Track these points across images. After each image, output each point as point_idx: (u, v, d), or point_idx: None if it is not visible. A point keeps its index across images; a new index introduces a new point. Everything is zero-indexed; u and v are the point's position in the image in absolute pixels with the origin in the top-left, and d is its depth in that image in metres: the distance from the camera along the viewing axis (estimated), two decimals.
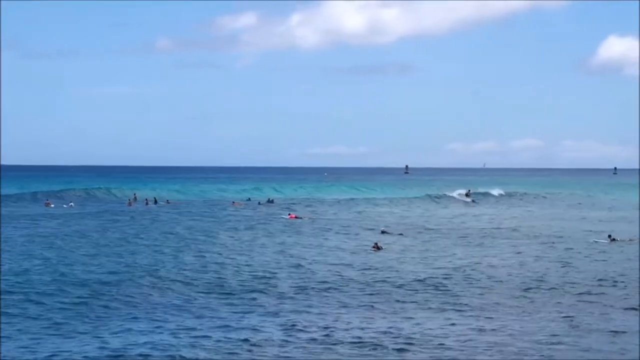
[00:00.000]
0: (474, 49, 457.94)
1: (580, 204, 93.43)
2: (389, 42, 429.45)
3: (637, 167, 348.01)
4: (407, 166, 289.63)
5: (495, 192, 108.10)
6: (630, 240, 47.68)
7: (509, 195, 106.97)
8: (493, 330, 23.72)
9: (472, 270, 36.04)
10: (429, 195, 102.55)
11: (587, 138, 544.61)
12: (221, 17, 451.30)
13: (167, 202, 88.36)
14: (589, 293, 29.93)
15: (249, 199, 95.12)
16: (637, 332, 23.28)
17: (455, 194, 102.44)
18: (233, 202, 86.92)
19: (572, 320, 24.86)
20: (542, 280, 32.81)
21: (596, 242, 47.46)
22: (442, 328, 23.88)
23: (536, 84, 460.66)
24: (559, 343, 22.10)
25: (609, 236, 48.34)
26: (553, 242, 47.63)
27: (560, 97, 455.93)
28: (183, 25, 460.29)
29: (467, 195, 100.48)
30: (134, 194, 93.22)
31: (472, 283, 32.40)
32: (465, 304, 27.70)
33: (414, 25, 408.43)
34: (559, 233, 53.70)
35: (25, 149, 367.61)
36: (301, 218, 66.21)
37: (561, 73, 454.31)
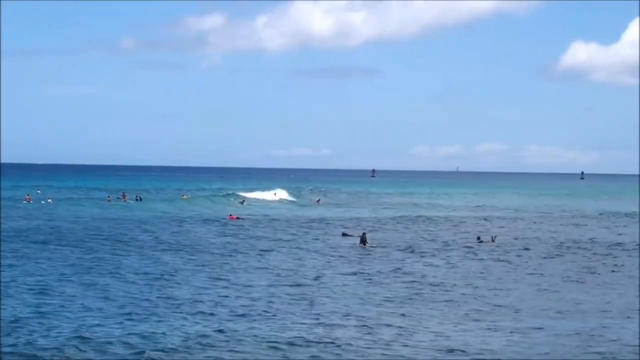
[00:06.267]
0: (439, 53, 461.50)
1: None
2: (355, 45, 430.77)
3: (599, 172, 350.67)
4: (374, 170, 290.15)
5: None
6: (492, 239, 48.68)
7: None
8: None
9: None
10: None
11: (550, 143, 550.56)
12: (187, 18, 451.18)
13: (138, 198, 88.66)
14: None
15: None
16: None
17: None
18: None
19: None
20: None
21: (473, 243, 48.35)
22: None
23: (501, 88, 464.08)
24: None
25: (478, 238, 49.42)
26: None
27: (524, 102, 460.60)
28: (149, 25, 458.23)
29: None
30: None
31: None
32: None
33: (380, 29, 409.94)
34: None
35: None
36: (242, 219, 65.84)
37: (526, 78, 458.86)
